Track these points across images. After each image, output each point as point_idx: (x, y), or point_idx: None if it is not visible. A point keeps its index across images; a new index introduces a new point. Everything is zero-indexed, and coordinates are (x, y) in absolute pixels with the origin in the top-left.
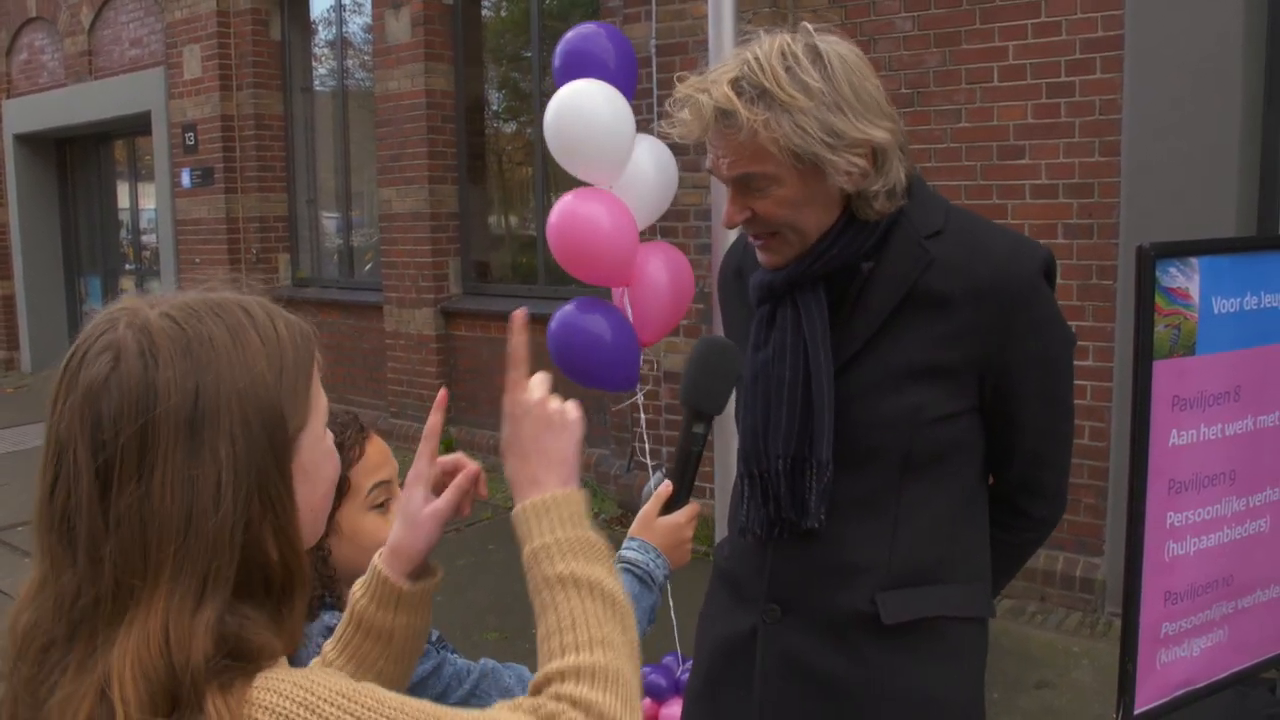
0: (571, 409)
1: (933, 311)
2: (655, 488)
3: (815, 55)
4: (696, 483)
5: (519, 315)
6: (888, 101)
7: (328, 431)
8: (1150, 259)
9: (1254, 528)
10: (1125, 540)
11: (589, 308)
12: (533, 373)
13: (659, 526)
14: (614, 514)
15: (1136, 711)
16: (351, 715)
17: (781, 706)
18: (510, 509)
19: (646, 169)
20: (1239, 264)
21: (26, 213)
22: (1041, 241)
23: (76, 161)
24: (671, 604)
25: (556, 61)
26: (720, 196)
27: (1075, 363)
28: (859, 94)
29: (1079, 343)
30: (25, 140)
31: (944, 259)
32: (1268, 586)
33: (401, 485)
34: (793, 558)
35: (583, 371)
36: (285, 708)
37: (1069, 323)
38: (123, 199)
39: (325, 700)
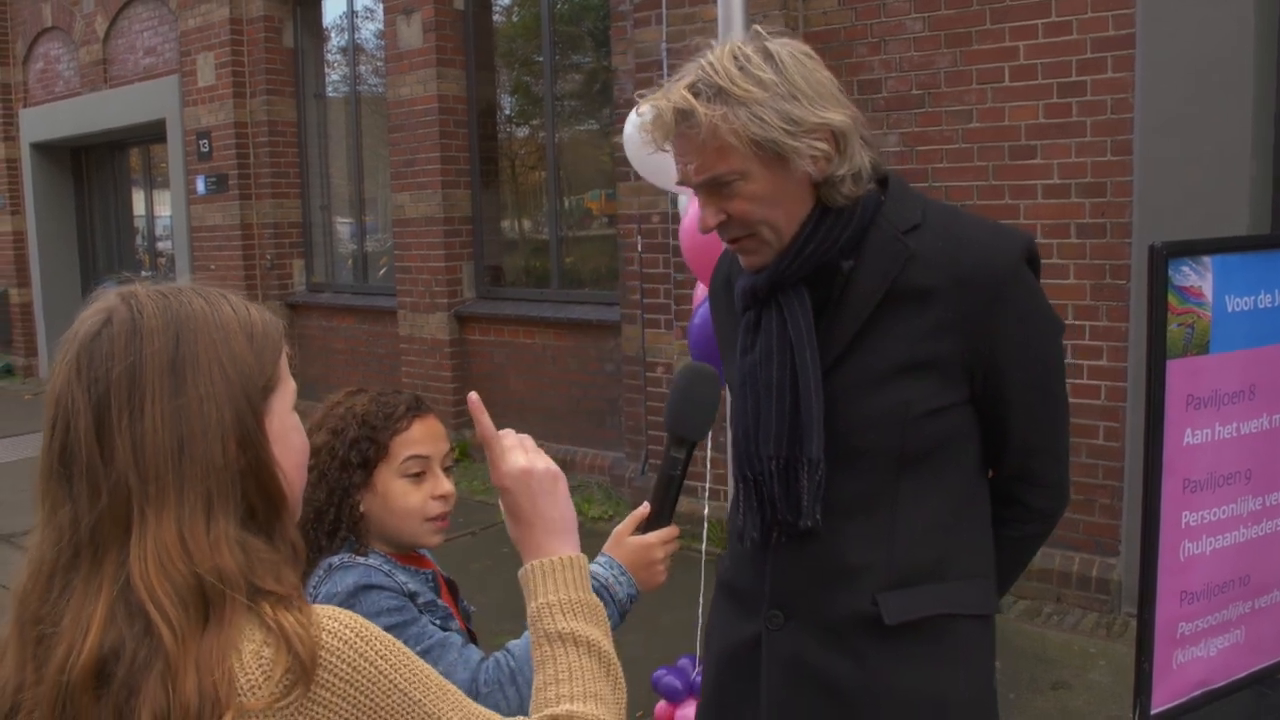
0: (551, 463)
1: (917, 305)
2: None
3: (766, 54)
4: (713, 486)
5: (473, 398)
6: (842, 92)
7: (294, 413)
8: (1162, 258)
9: (1270, 527)
10: (1140, 540)
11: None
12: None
13: (628, 545)
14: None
15: (1153, 712)
16: (399, 672)
17: (789, 713)
18: None
19: None
20: (1252, 262)
21: (43, 221)
22: (1054, 242)
23: (92, 169)
24: (701, 603)
25: None
26: None
27: (1090, 363)
28: (811, 84)
29: (1093, 343)
30: (42, 149)
31: (924, 252)
32: None
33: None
34: (792, 562)
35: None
36: (346, 635)
37: (1062, 320)
38: (138, 206)
39: (382, 643)
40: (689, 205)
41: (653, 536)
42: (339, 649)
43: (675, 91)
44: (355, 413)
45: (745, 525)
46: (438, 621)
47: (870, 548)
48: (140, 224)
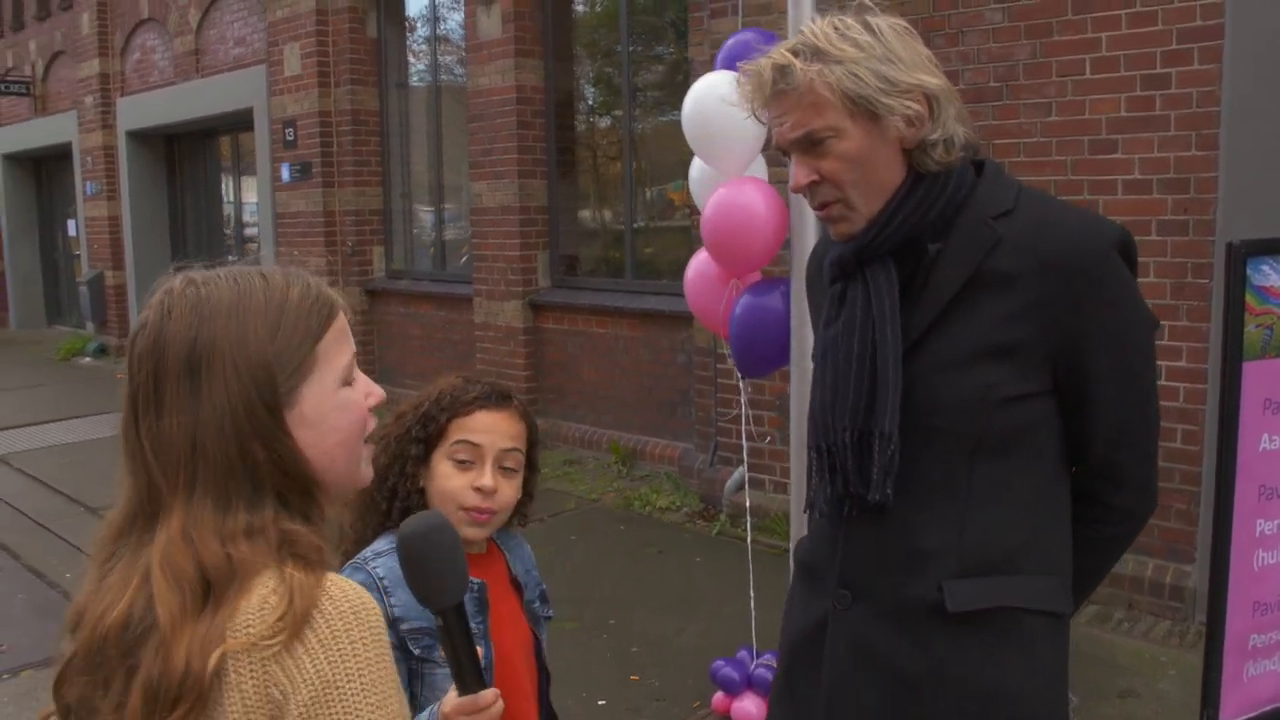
0: None
1: (1001, 291)
2: (737, 483)
3: (865, 24)
4: (780, 479)
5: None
6: (938, 67)
7: (348, 388)
8: (1241, 256)
9: None
10: (1211, 547)
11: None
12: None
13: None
14: (696, 508)
15: None
16: (363, 667)
17: (848, 694)
18: (595, 500)
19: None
20: None
21: (138, 206)
22: (1135, 239)
23: (184, 157)
24: (753, 597)
25: (718, 65)
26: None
27: (1169, 364)
28: (908, 51)
29: (1172, 343)
30: (137, 136)
31: (1012, 238)
32: None
33: None
34: (863, 543)
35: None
36: (342, 607)
37: (1157, 316)
38: (227, 192)
39: (370, 628)
40: (711, 192)
41: (449, 705)
42: (331, 614)
43: (775, 52)
44: (437, 390)
45: (817, 497)
46: (418, 651)
47: (940, 533)
48: (229, 210)
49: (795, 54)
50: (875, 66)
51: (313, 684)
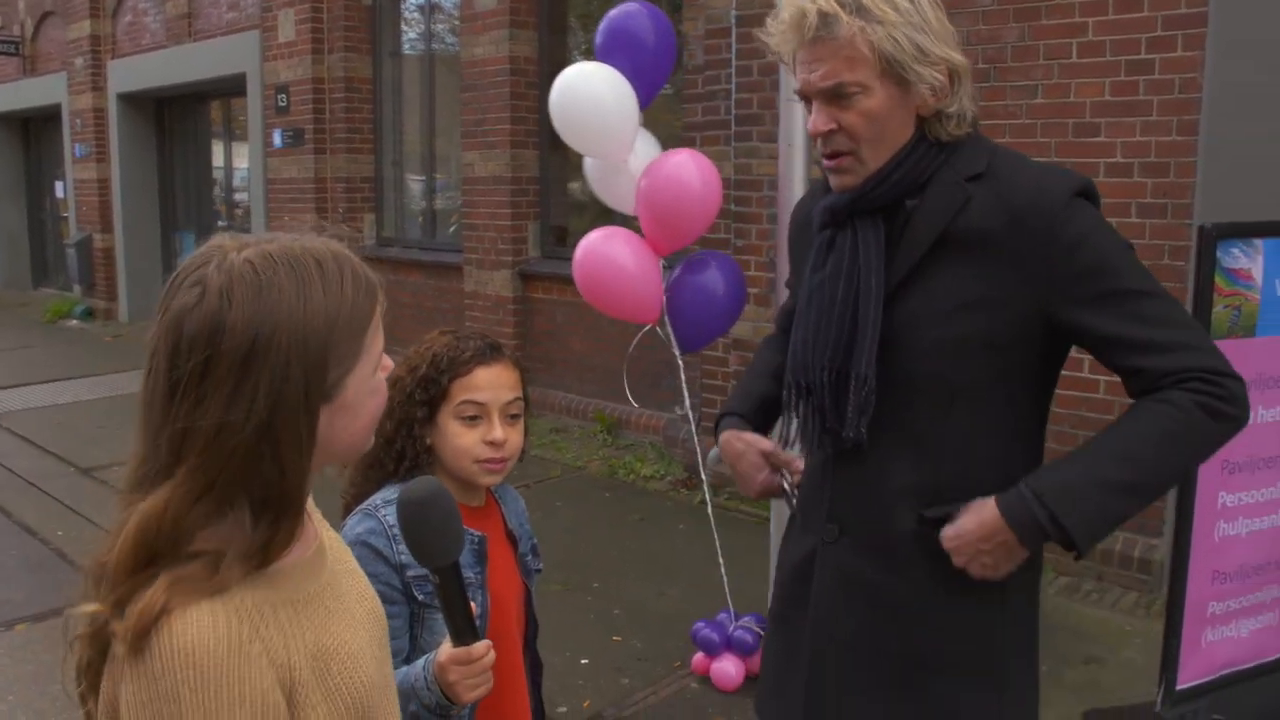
0: None
1: (975, 247)
2: (717, 455)
3: None
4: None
5: None
6: (958, 42)
7: (376, 374)
8: (1212, 239)
9: None
10: (1174, 517)
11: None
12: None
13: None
14: (679, 477)
15: (1179, 688)
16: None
17: (832, 621)
18: (581, 468)
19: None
20: None
21: (127, 169)
22: (1115, 220)
23: (175, 121)
24: (722, 563)
25: (598, 39)
26: (789, 167)
27: None
28: (939, 22)
29: None
30: (127, 99)
31: (982, 197)
32: None
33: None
34: (849, 480)
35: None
36: (175, 646)
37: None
38: (217, 157)
39: (202, 674)
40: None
41: (444, 655)
42: (165, 649)
43: None
44: (430, 351)
45: (794, 431)
46: (421, 597)
47: (918, 475)
48: (219, 175)
49: (841, 5)
50: (911, 34)
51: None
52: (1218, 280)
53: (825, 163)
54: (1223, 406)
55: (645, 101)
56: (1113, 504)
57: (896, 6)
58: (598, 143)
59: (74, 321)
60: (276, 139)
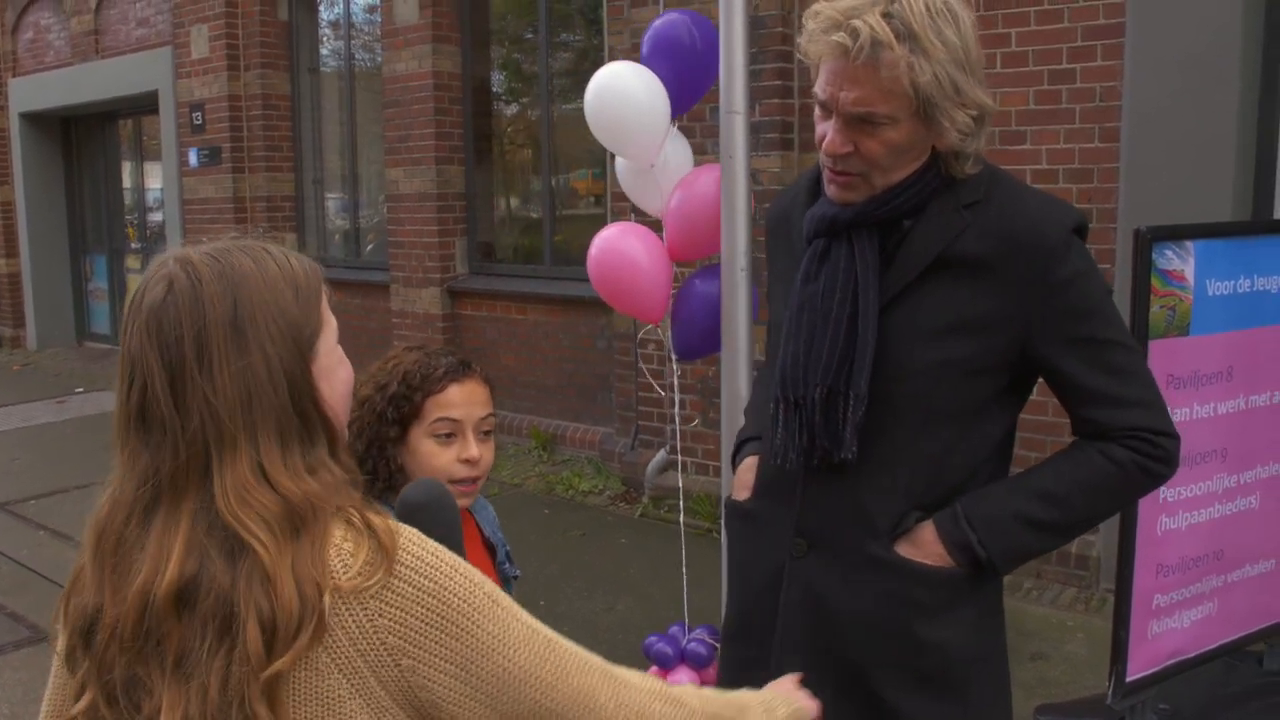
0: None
1: (969, 272)
2: (660, 465)
3: (951, 11)
4: (703, 461)
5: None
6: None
7: (338, 346)
8: (1147, 242)
9: (1244, 504)
10: (1120, 514)
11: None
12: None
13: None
14: (618, 491)
15: (1129, 679)
16: (468, 571)
17: (799, 636)
18: (518, 485)
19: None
20: (1233, 248)
21: (32, 191)
22: None
23: (82, 140)
24: (685, 575)
25: (645, 47)
26: (731, 181)
27: None
28: (977, 56)
29: None
30: (31, 119)
31: (979, 225)
32: (1256, 561)
33: None
34: (822, 496)
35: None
36: (414, 537)
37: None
38: (128, 178)
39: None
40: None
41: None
42: (411, 546)
43: (872, 17)
44: (400, 369)
45: (785, 448)
46: None
47: (890, 496)
48: (130, 196)
49: (896, 34)
50: (953, 71)
51: (427, 603)
52: (1153, 281)
53: (830, 175)
54: (1156, 467)
55: (685, 107)
56: (1033, 541)
57: (944, 40)
58: (626, 143)
59: None
60: (192, 158)
